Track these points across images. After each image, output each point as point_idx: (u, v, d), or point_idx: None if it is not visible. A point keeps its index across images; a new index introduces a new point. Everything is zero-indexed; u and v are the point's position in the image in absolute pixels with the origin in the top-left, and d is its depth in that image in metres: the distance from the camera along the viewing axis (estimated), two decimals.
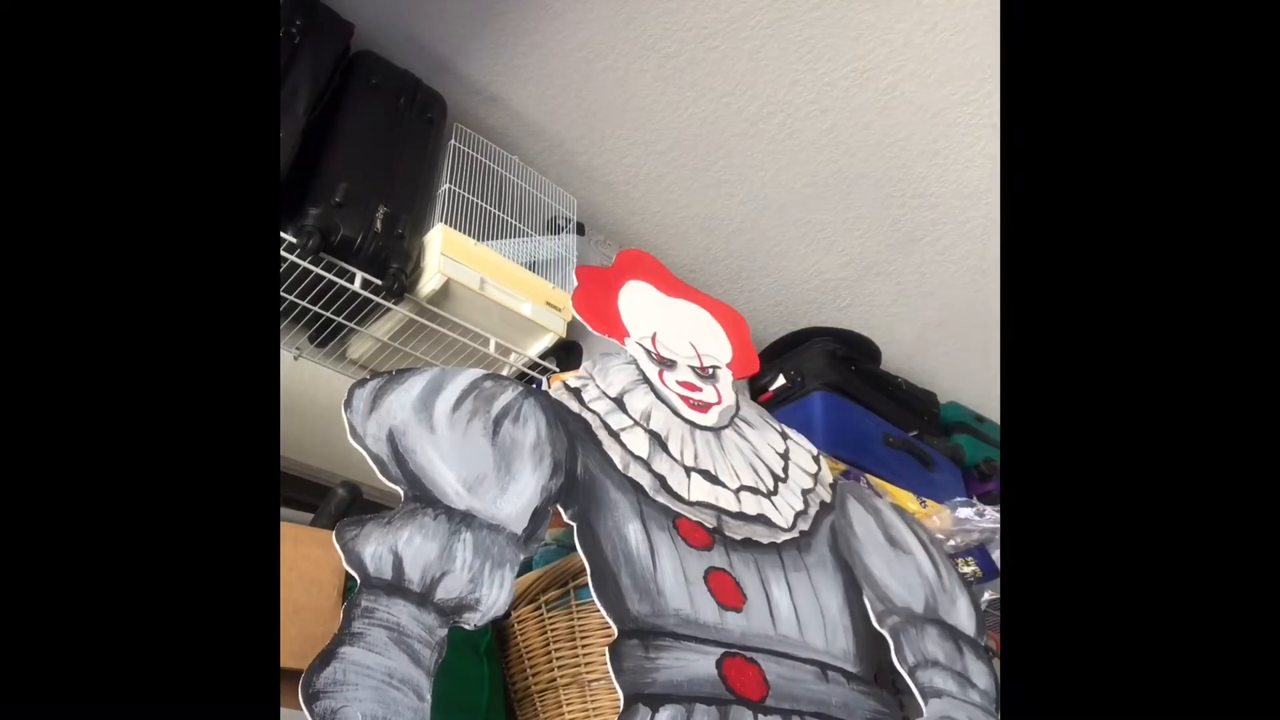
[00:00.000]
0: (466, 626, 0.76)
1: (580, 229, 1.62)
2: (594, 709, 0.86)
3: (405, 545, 0.77)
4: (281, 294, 1.21)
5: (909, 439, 1.74)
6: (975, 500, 1.51)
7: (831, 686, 0.92)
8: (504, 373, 1.37)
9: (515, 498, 0.86)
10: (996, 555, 1.37)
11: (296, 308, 1.25)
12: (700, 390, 1.19)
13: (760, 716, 0.84)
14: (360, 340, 1.37)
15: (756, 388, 1.77)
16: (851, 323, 1.95)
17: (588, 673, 0.88)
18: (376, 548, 0.76)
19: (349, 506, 1.02)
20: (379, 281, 1.25)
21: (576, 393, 1.06)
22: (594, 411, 1.04)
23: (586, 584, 0.84)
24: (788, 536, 1.07)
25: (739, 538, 1.01)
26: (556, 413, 0.98)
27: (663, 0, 1.42)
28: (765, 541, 1.03)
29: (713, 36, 1.48)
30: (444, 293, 1.31)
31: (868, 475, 1.48)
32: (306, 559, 0.86)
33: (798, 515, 1.11)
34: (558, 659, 0.90)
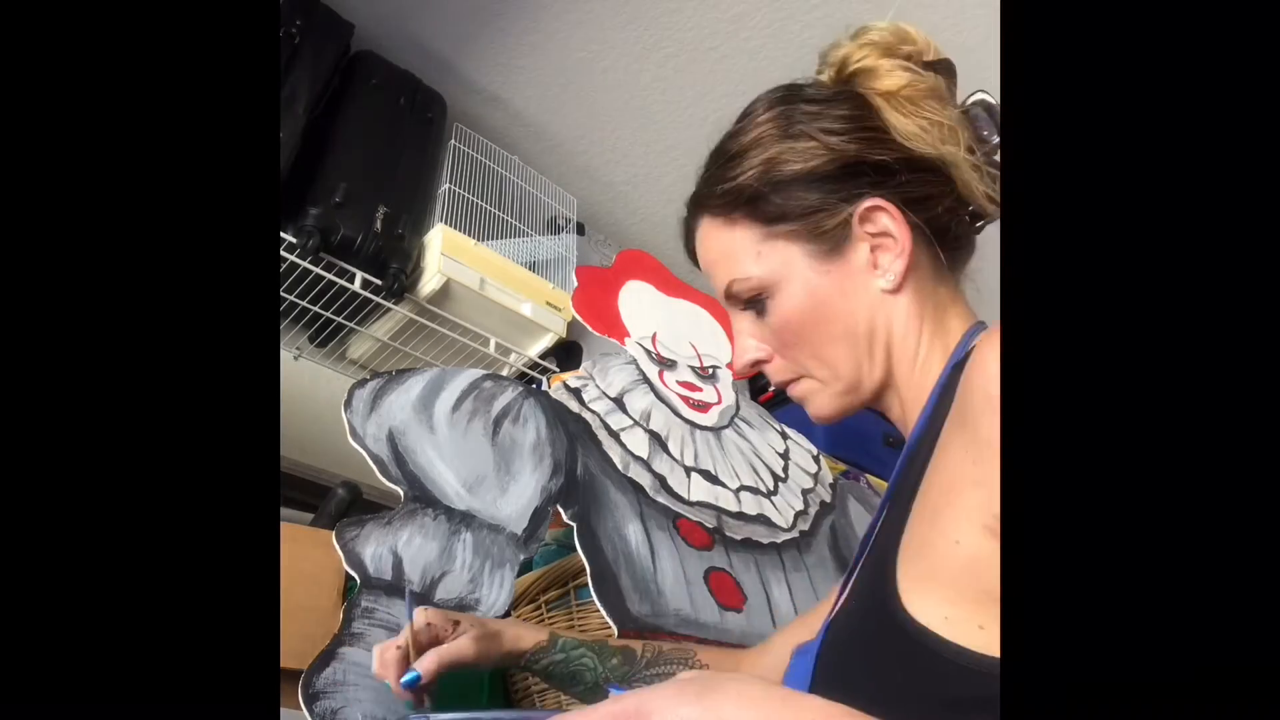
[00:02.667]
0: None
1: (580, 229, 1.62)
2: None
3: (405, 545, 0.77)
4: (281, 294, 1.21)
5: None
6: None
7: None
8: (504, 373, 1.37)
9: (515, 498, 0.86)
10: None
11: (296, 308, 1.25)
12: (700, 390, 1.19)
13: None
14: (360, 340, 1.37)
15: (756, 388, 1.77)
16: None
17: None
18: (376, 548, 0.76)
19: (349, 506, 1.02)
20: (379, 281, 1.25)
21: (576, 393, 1.06)
22: (594, 412, 1.04)
23: (586, 584, 0.83)
24: (788, 536, 1.07)
25: (739, 538, 1.01)
26: (556, 413, 0.98)
27: (663, 1, 1.42)
28: (765, 541, 1.03)
29: (713, 37, 1.48)
30: (444, 293, 1.31)
31: (868, 475, 1.48)
32: (306, 559, 0.86)
33: (798, 515, 1.11)
34: None
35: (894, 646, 0.48)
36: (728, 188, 0.64)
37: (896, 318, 0.61)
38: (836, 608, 0.59)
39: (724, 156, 0.66)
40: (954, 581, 0.47)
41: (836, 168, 0.61)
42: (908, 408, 0.61)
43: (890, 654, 0.49)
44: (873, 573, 0.53)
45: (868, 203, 0.60)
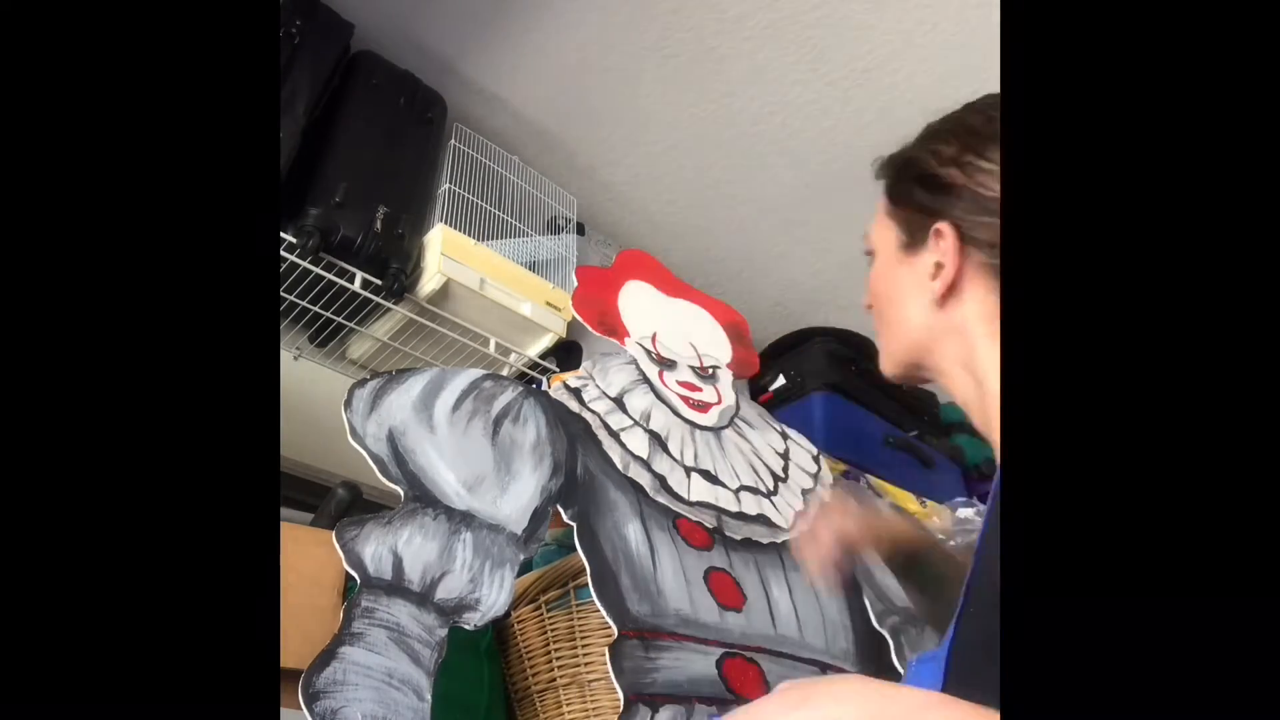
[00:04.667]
0: (466, 626, 0.76)
1: (580, 229, 1.62)
2: (594, 709, 0.87)
3: (405, 545, 0.77)
4: (281, 294, 1.21)
5: (909, 439, 1.74)
6: (975, 500, 1.51)
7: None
8: (504, 373, 1.37)
9: (515, 498, 0.86)
10: None
11: (296, 308, 1.25)
12: (700, 390, 1.19)
13: None
14: (360, 340, 1.37)
15: (756, 388, 1.77)
16: (851, 323, 1.95)
17: (588, 673, 0.88)
18: (376, 548, 0.76)
19: (349, 506, 1.02)
20: (379, 281, 1.25)
21: (576, 393, 1.06)
22: (594, 412, 1.04)
23: (586, 584, 0.84)
24: (788, 536, 1.07)
25: (739, 538, 1.01)
26: (556, 413, 0.98)
27: (663, 1, 1.42)
28: (765, 541, 1.03)
29: (713, 37, 1.48)
30: (444, 293, 1.31)
31: (868, 475, 1.48)
32: (306, 559, 0.86)
33: (798, 515, 1.11)
34: (558, 659, 0.90)
35: None
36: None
37: (936, 327, 0.67)
38: (960, 613, 0.60)
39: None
40: None
41: (945, 184, 0.66)
42: (992, 425, 0.63)
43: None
44: (990, 577, 0.55)
45: (941, 224, 0.65)
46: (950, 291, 0.65)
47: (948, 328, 0.66)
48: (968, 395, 0.66)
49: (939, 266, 0.65)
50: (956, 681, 0.56)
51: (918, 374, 0.71)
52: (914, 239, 0.69)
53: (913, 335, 0.69)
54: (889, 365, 0.74)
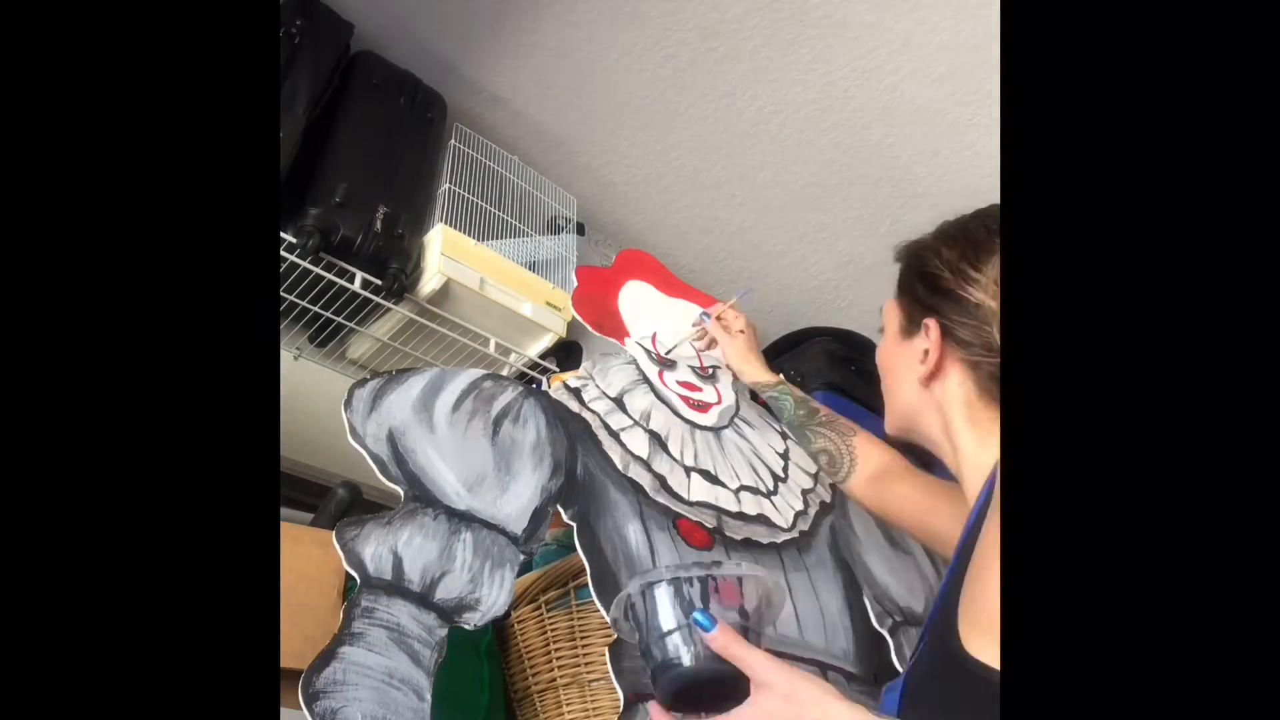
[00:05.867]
0: (466, 626, 0.76)
1: (580, 229, 1.62)
2: (594, 709, 0.87)
3: (405, 545, 0.77)
4: (281, 294, 1.21)
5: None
6: None
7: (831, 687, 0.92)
8: (504, 373, 1.37)
9: (515, 498, 0.86)
10: None
11: (296, 308, 1.25)
12: (700, 390, 1.19)
13: None
14: (360, 340, 1.37)
15: None
16: (851, 323, 1.95)
17: (588, 673, 0.88)
18: (376, 548, 0.76)
19: (349, 506, 1.02)
20: (379, 281, 1.25)
21: (576, 393, 1.06)
22: (594, 411, 1.04)
23: (586, 584, 0.84)
24: (787, 537, 1.07)
25: (739, 538, 1.01)
26: (556, 413, 0.98)
27: (663, 1, 1.42)
28: (765, 541, 1.03)
29: (713, 37, 1.48)
30: (444, 293, 1.31)
31: None
32: (306, 559, 0.87)
33: (797, 515, 1.11)
34: (558, 659, 0.90)
35: (958, 679, 0.58)
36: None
37: (921, 402, 0.79)
38: (919, 648, 0.68)
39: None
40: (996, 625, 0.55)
41: (940, 286, 0.77)
42: (965, 486, 0.74)
43: (955, 686, 0.58)
44: (943, 617, 0.62)
45: (930, 320, 0.77)
46: (933, 376, 0.77)
47: (930, 403, 0.78)
48: (946, 458, 0.78)
49: (926, 353, 0.77)
50: (908, 710, 0.64)
51: (910, 435, 0.83)
52: (911, 326, 0.80)
53: (904, 406, 0.82)
54: (889, 427, 0.86)
